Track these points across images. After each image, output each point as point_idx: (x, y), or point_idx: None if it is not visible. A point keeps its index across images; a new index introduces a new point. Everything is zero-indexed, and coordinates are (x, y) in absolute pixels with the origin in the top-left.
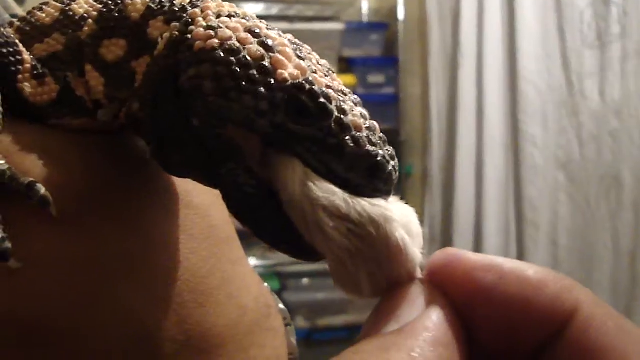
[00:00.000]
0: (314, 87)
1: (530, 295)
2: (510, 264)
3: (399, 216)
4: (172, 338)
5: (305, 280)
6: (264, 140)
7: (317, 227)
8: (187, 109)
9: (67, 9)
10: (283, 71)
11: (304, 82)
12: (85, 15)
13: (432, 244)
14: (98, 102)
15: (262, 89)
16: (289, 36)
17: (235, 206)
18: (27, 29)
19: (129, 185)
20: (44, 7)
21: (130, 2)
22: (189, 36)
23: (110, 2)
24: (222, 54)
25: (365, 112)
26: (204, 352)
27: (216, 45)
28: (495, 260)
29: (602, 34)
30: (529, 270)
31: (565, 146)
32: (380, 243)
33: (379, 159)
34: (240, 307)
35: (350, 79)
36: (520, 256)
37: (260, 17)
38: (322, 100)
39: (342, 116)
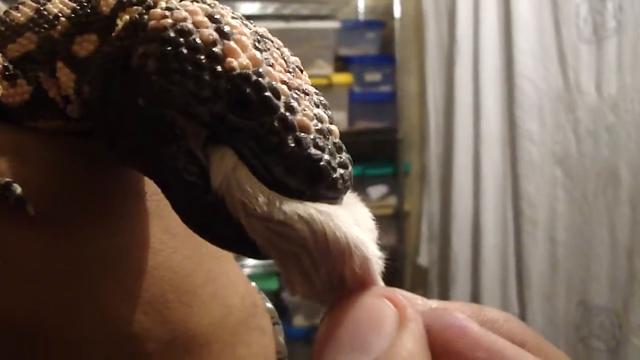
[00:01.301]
0: (261, 79)
1: None
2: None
3: (338, 213)
4: (156, 338)
5: None
6: (206, 130)
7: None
8: (134, 89)
9: (41, 8)
10: (233, 59)
11: (252, 73)
12: (59, 14)
13: (430, 242)
14: (67, 98)
15: (207, 76)
16: (262, 29)
17: (172, 194)
18: (2, 28)
19: (108, 186)
20: (20, 6)
21: None
22: (146, 17)
23: (84, 0)
24: (172, 34)
25: (325, 115)
26: (189, 352)
27: (168, 24)
28: (498, 343)
29: (598, 29)
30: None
31: (562, 142)
32: (313, 241)
33: (321, 163)
34: (225, 306)
35: (346, 77)
36: (519, 253)
37: (256, 17)
38: (267, 93)
39: (288, 114)
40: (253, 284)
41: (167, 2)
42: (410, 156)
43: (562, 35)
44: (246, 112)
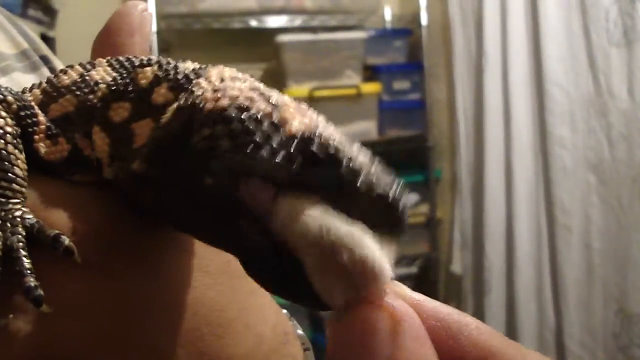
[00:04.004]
0: (322, 139)
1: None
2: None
3: (366, 239)
4: None
5: None
6: (278, 190)
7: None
8: (198, 169)
9: (86, 73)
10: (291, 125)
11: (312, 135)
12: (99, 81)
13: (463, 249)
14: (100, 161)
15: (275, 144)
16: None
17: (246, 264)
18: (50, 90)
19: (147, 230)
20: (68, 69)
21: (141, 70)
22: (197, 100)
23: (124, 71)
24: (234, 113)
25: (368, 154)
26: None
27: (226, 104)
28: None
29: (628, 32)
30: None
31: (595, 147)
32: (352, 263)
33: (390, 200)
34: (257, 336)
35: (375, 86)
36: (553, 260)
37: (284, 29)
38: (331, 151)
39: (352, 163)
40: (284, 311)
41: (209, 83)
42: (441, 163)
43: (591, 40)
44: (316, 168)
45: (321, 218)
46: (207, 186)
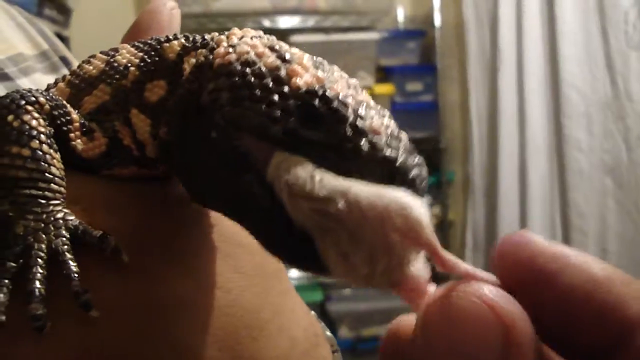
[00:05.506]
0: (327, 93)
1: (592, 291)
2: (579, 256)
3: (383, 190)
4: None
5: (348, 290)
6: (277, 147)
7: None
8: (206, 124)
9: (111, 60)
10: (297, 79)
11: (318, 88)
12: (128, 64)
13: (475, 251)
14: (142, 142)
15: (276, 97)
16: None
17: (248, 219)
18: (77, 81)
19: (186, 231)
20: (91, 59)
21: (167, 45)
22: (211, 57)
23: (150, 49)
24: (238, 67)
25: (392, 122)
26: None
27: (233, 59)
28: (563, 249)
29: None
30: (596, 265)
31: (612, 150)
32: (347, 212)
33: (397, 164)
34: (290, 338)
35: (388, 87)
36: None
37: (296, 30)
38: (335, 105)
39: (359, 120)
40: (312, 312)
41: (228, 41)
42: (453, 165)
43: (609, 42)
44: (318, 124)
45: (313, 170)
46: (213, 140)
